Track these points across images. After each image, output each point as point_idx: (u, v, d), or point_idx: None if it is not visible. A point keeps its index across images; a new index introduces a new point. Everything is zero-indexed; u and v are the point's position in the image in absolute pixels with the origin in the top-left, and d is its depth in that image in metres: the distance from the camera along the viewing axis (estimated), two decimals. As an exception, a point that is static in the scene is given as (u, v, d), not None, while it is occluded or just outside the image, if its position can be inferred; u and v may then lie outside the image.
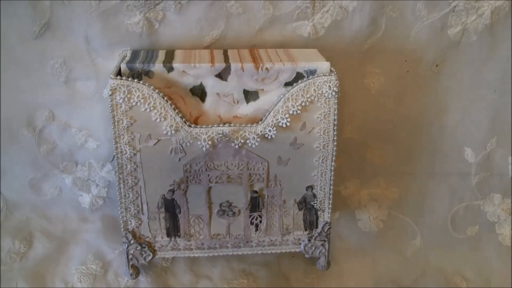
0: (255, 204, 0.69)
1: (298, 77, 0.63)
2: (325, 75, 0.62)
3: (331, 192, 0.69)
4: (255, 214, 0.70)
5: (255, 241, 0.72)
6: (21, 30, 0.68)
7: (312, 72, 0.63)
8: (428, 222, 0.87)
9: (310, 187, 0.69)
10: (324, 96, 0.63)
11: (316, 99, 0.63)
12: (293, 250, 0.73)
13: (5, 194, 0.81)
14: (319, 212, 0.71)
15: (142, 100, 0.60)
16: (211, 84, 0.64)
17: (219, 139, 0.63)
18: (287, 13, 0.70)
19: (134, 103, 0.61)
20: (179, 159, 0.64)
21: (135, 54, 0.65)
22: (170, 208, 0.68)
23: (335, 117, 0.64)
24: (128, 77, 0.61)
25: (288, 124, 0.63)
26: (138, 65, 0.61)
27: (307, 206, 0.70)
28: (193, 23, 0.69)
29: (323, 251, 0.73)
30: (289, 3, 0.69)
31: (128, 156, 0.63)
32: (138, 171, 0.65)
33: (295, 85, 0.63)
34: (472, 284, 0.83)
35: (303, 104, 0.62)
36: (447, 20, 0.73)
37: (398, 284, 0.81)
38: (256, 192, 0.68)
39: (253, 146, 0.64)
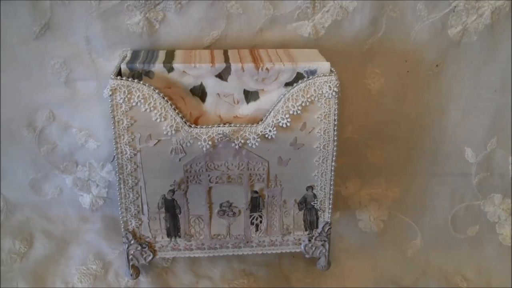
0: (256, 204, 0.69)
1: (299, 77, 0.63)
2: (325, 75, 0.62)
3: (331, 192, 0.69)
4: (256, 214, 0.70)
5: (256, 241, 0.72)
6: (21, 30, 0.68)
7: (312, 72, 0.63)
8: (428, 222, 0.87)
9: (311, 187, 0.69)
10: (325, 96, 0.63)
11: (316, 99, 0.63)
12: (294, 250, 0.73)
13: (6, 194, 0.81)
14: (319, 212, 0.71)
15: (142, 100, 0.60)
16: (212, 84, 0.64)
17: (219, 139, 0.63)
18: (288, 13, 0.70)
19: (134, 103, 0.61)
20: (180, 159, 0.64)
21: (135, 54, 0.65)
22: (171, 208, 0.68)
23: (336, 117, 0.64)
24: (128, 77, 0.61)
25: (288, 124, 0.63)
26: (138, 65, 0.61)
27: (307, 206, 0.70)
28: (193, 23, 0.69)
29: (324, 251, 0.73)
30: (289, 3, 0.69)
31: (129, 156, 0.63)
32: (138, 172, 0.65)
33: (295, 85, 0.63)
34: (473, 284, 0.83)
35: (303, 104, 0.62)
36: (447, 20, 0.73)
37: (399, 284, 0.81)
38: (256, 192, 0.68)
39: (254, 146, 0.64)
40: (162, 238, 0.70)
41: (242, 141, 0.63)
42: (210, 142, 0.63)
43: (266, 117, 0.63)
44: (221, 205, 0.69)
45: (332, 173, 0.67)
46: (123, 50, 0.69)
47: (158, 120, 0.61)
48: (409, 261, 0.84)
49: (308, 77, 0.63)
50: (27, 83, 0.72)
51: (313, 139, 0.65)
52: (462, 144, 0.83)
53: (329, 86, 0.62)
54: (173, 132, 0.62)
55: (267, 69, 0.62)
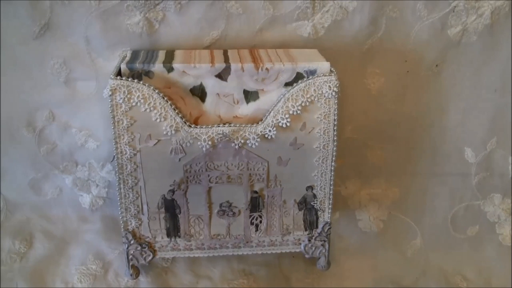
0: (255, 204, 0.69)
1: (298, 77, 0.63)
2: (325, 75, 0.62)
3: (331, 192, 0.69)
4: (255, 214, 0.70)
5: (255, 241, 0.72)
6: (21, 30, 0.68)
7: (312, 72, 0.63)
8: (428, 222, 0.87)
9: (310, 187, 0.69)
10: (324, 96, 0.63)
11: (316, 99, 0.63)
12: (293, 250, 0.73)
13: (5, 194, 0.81)
14: (319, 212, 0.71)
15: (142, 100, 0.60)
16: (211, 84, 0.64)
17: (219, 139, 0.63)
18: (287, 13, 0.70)
19: (134, 103, 0.61)
20: (179, 159, 0.64)
21: (135, 54, 0.65)
22: (170, 208, 0.68)
23: (335, 117, 0.64)
24: (128, 77, 0.61)
25: (288, 124, 0.63)
26: (138, 65, 0.61)
27: (307, 206, 0.70)
28: (193, 23, 0.69)
29: (323, 251, 0.73)
30: (289, 3, 0.69)
31: (128, 156, 0.63)
32: (138, 171, 0.65)
33: (295, 85, 0.63)
34: (472, 284, 0.83)
35: (303, 104, 0.62)
36: (447, 20, 0.73)
37: (399, 284, 0.81)
38: (256, 192, 0.68)
39: (253, 146, 0.64)
40: (162, 238, 0.70)
41: (242, 141, 0.63)
42: (210, 142, 0.63)
43: (266, 117, 0.63)
44: (221, 205, 0.69)
45: (332, 173, 0.67)
46: (123, 50, 0.69)
47: (158, 120, 0.61)
48: (409, 261, 0.84)
49: (308, 77, 0.63)
50: (27, 83, 0.72)
51: (313, 139, 0.65)
52: (462, 144, 0.83)
53: (329, 86, 0.62)
54: (173, 132, 0.62)
55: (267, 69, 0.62)
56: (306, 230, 0.72)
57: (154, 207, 0.68)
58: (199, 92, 0.64)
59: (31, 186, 0.80)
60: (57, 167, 0.79)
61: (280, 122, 0.63)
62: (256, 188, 0.68)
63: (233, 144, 0.63)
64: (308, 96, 0.62)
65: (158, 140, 0.63)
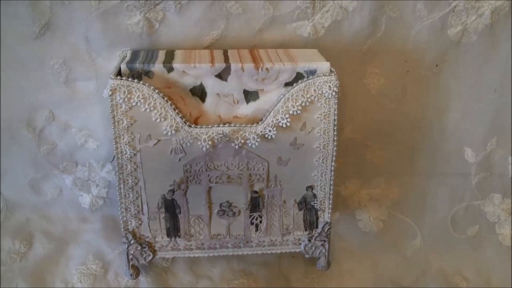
0: (255, 204, 0.69)
1: (298, 77, 0.63)
2: (325, 75, 0.62)
3: (331, 192, 0.69)
4: (255, 214, 0.70)
5: (255, 241, 0.72)
6: (21, 30, 0.68)
7: (312, 72, 0.63)
8: (428, 222, 0.87)
9: (310, 187, 0.69)
10: (324, 96, 0.63)
11: (316, 99, 0.63)
12: (293, 250, 0.73)
13: (5, 194, 0.81)
14: (319, 212, 0.71)
15: (142, 100, 0.60)
16: (211, 84, 0.64)
17: (219, 139, 0.63)
18: (287, 13, 0.70)
19: (134, 103, 0.61)
20: (179, 159, 0.64)
21: (135, 54, 0.65)
22: (170, 208, 0.68)
23: (335, 117, 0.64)
24: (128, 77, 0.61)
25: (288, 124, 0.63)
26: (138, 65, 0.61)
27: (307, 206, 0.70)
28: (193, 23, 0.69)
29: (323, 251, 0.73)
30: (289, 3, 0.69)
31: (128, 156, 0.63)
32: (138, 171, 0.65)
33: (295, 85, 0.63)
34: (472, 284, 0.83)
35: (303, 104, 0.62)
36: (447, 20, 0.73)
37: (398, 284, 0.81)
38: (256, 192, 0.68)
39: (253, 146, 0.64)
40: (162, 238, 0.70)
41: (242, 141, 0.63)
42: (210, 142, 0.63)
43: (266, 117, 0.63)
44: (221, 205, 0.69)
45: (332, 173, 0.67)
46: (123, 50, 0.69)
47: (158, 120, 0.61)
48: (408, 261, 0.84)
49: (308, 77, 0.63)
50: (27, 83, 0.72)
51: (313, 139, 0.65)
52: (462, 144, 0.83)
53: (329, 86, 0.62)
54: (173, 132, 0.62)
55: (266, 69, 0.62)
56: (306, 230, 0.72)
57: (154, 207, 0.68)
58: (199, 92, 0.64)
59: (31, 186, 0.80)
60: (57, 167, 0.79)
61: (280, 122, 0.63)
62: (256, 188, 0.68)
63: (233, 144, 0.63)
64: (308, 96, 0.62)
65: (158, 140, 0.63)
